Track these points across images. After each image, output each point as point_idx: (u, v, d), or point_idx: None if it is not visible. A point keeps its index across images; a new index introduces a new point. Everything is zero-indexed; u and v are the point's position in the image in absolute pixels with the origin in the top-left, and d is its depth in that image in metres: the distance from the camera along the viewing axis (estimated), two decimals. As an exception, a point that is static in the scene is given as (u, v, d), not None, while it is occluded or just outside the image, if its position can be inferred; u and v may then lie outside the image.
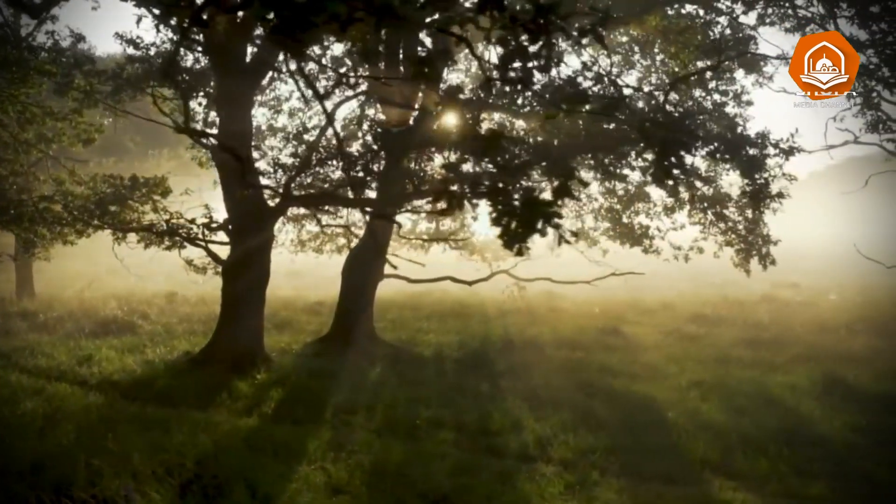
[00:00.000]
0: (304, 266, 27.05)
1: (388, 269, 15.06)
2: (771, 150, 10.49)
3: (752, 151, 10.21)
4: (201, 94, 12.68)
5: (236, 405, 9.84)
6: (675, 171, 3.02)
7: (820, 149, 16.12)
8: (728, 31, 15.00)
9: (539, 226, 2.84)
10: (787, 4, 12.11)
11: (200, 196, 14.09)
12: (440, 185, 3.41)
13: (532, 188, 2.90)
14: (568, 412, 9.35)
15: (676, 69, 16.20)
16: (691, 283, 25.81)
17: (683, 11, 14.51)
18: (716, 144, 10.05)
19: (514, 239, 2.79)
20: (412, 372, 11.96)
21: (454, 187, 3.27)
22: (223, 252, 12.77)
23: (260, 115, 24.90)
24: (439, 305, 20.02)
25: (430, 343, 14.72)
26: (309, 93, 13.10)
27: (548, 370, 12.16)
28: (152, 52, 12.72)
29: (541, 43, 3.04)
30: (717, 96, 15.71)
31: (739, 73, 15.43)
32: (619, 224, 16.76)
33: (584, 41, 14.48)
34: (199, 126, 14.00)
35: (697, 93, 16.14)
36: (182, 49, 10.38)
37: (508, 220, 2.77)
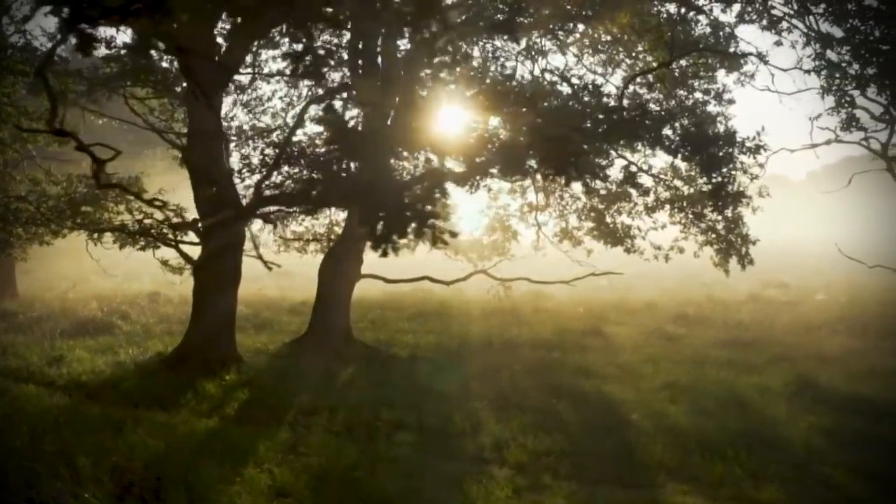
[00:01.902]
0: (294, 266, 27.00)
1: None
2: (737, 149, 10.35)
3: (714, 149, 10.08)
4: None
5: (200, 406, 9.76)
6: (569, 168, 2.94)
7: (802, 147, 15.98)
8: (708, 30, 15.00)
9: (413, 227, 2.76)
10: (762, 1, 11.99)
11: (175, 195, 14.02)
12: (305, 184, 3.32)
13: (401, 189, 2.81)
14: (532, 414, 9.27)
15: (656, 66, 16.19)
16: (680, 283, 25.69)
17: (662, 9, 14.48)
18: (675, 142, 9.93)
19: (381, 240, 2.71)
20: (384, 373, 11.90)
21: (320, 187, 3.20)
22: (197, 252, 12.71)
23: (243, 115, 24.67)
24: (423, 305, 19.95)
25: (407, 343, 14.64)
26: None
27: (521, 371, 12.07)
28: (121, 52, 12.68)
29: (426, 36, 2.97)
30: (698, 94, 15.76)
31: (717, 73, 15.28)
32: (602, 224, 16.68)
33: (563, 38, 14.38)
34: (173, 126, 13.93)
35: (681, 91, 16.20)
36: (152, 49, 10.30)
37: (376, 222, 2.68)
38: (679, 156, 10.31)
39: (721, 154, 10.13)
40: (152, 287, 22.04)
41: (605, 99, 12.47)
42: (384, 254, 2.64)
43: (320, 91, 15.49)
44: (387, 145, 2.94)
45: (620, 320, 18.04)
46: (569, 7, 13.02)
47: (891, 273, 18.06)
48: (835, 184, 22.34)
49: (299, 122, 11.32)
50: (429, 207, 2.69)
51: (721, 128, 14.20)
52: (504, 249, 20.11)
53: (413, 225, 2.66)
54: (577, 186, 17.70)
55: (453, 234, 2.74)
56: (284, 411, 9.42)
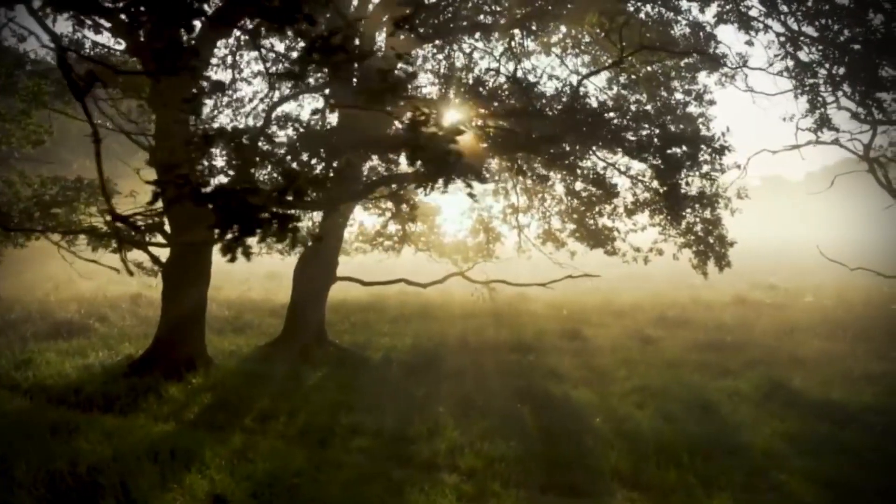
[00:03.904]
0: (283, 267, 26.89)
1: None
2: (703, 150, 10.20)
3: (676, 150, 9.92)
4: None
5: (161, 410, 9.67)
6: (444, 169, 2.85)
7: (783, 149, 15.81)
8: (688, 30, 14.88)
9: (273, 230, 2.65)
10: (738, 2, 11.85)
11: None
12: (159, 185, 3.22)
13: (251, 191, 2.70)
14: (493, 418, 9.15)
15: (642, 66, 16.07)
16: (669, 285, 25.48)
17: (642, 8, 14.38)
18: (634, 143, 9.77)
19: (231, 245, 2.60)
20: (353, 376, 11.78)
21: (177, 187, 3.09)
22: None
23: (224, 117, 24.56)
24: (406, 308, 19.84)
25: (383, 346, 14.51)
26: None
27: (492, 374, 11.96)
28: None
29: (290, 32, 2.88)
30: (679, 95, 15.63)
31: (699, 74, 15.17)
32: (582, 225, 16.51)
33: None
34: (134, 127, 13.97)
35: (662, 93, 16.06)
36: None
37: (227, 224, 2.58)
38: (638, 157, 10.16)
39: (681, 156, 9.96)
40: (137, 289, 21.91)
41: (585, 100, 12.36)
42: (233, 259, 2.53)
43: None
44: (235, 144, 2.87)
45: (603, 322, 17.90)
46: (543, 5, 12.92)
47: (893, 275, 17.86)
48: (834, 184, 22.13)
49: (266, 123, 11.21)
50: (291, 211, 2.59)
51: (703, 129, 14.17)
52: (488, 251, 19.94)
53: (273, 228, 2.55)
54: (560, 188, 17.68)
55: (317, 238, 2.64)
56: (243, 415, 9.32)
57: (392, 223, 19.63)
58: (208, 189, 2.72)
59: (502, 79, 11.75)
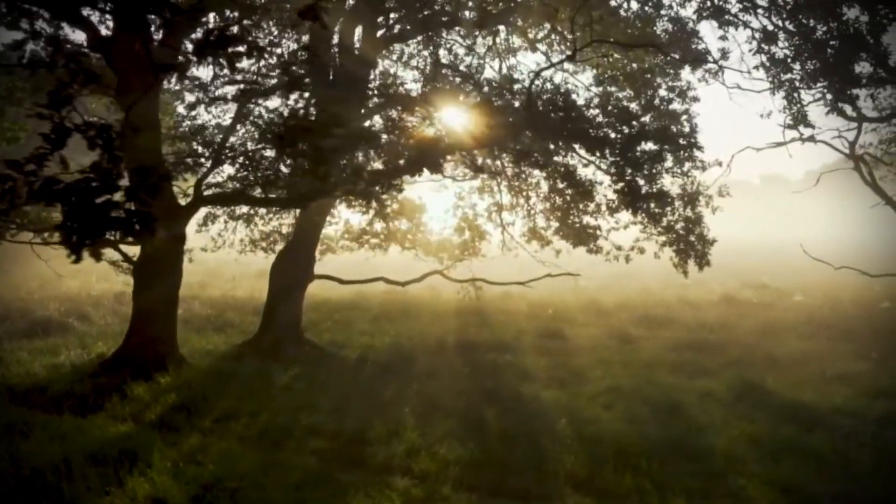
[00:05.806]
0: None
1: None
2: (671, 147, 10.02)
3: (640, 147, 9.74)
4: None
5: (123, 411, 9.56)
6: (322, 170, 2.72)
7: (767, 146, 15.59)
8: (670, 27, 14.72)
9: (128, 230, 2.52)
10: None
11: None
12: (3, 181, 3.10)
13: (106, 189, 2.58)
14: (456, 420, 9.02)
15: (632, 64, 15.93)
16: (659, 283, 25.22)
17: (620, 5, 14.25)
18: (595, 139, 9.60)
19: (76, 246, 2.47)
20: (326, 375, 11.66)
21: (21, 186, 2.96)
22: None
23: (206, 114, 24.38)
24: (391, 306, 19.71)
25: (360, 345, 14.38)
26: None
27: (464, 374, 11.83)
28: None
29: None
30: (663, 92, 15.45)
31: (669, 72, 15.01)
32: (565, 224, 16.36)
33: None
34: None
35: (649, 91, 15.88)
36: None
37: (72, 223, 2.45)
38: (599, 153, 9.99)
39: (642, 153, 9.78)
40: (121, 287, 21.84)
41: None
42: (78, 260, 2.43)
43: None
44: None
45: (586, 322, 17.74)
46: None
47: (877, 274, 17.64)
48: (833, 182, 21.91)
49: (237, 120, 11.08)
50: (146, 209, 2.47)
51: (686, 126, 14.00)
52: (473, 250, 19.77)
53: (129, 227, 2.45)
54: (544, 185, 17.52)
55: (179, 238, 2.53)
56: (205, 416, 9.21)
57: (377, 221, 19.53)
58: (59, 186, 2.61)
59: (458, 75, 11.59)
